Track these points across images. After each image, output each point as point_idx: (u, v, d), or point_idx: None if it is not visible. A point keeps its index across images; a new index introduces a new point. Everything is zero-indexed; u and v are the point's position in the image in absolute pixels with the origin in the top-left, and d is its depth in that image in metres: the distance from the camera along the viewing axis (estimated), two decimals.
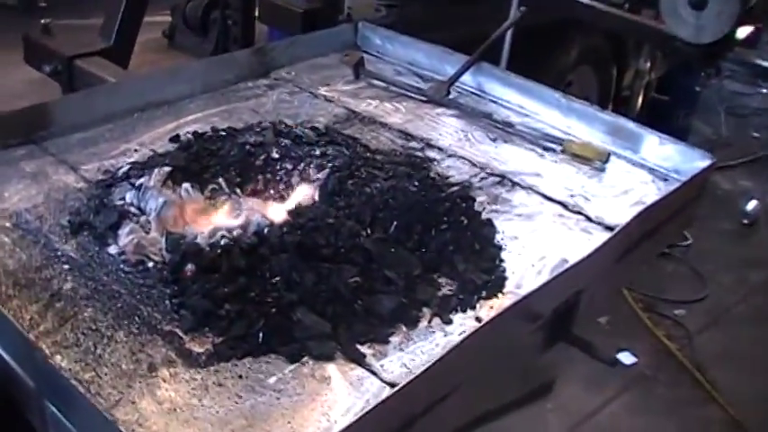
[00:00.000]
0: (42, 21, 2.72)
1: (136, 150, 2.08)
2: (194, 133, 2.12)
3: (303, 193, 1.91)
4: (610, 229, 1.93)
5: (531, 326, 1.73)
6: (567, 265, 1.75)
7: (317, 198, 1.89)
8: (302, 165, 1.97)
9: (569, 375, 3.35)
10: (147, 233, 1.73)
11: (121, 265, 1.67)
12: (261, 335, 1.51)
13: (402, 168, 1.97)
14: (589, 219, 1.98)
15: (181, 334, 1.52)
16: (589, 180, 2.15)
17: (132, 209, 1.79)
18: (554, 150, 2.24)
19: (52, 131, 2.11)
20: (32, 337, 1.47)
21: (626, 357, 3.76)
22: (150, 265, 1.67)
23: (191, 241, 1.68)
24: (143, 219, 1.77)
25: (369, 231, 1.76)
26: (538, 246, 1.86)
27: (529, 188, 2.08)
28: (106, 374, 1.42)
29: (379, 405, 1.33)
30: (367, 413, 1.31)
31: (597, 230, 1.95)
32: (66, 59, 2.57)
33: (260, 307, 1.56)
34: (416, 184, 1.88)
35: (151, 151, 2.07)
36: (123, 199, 1.82)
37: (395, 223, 1.79)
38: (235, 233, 1.72)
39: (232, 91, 2.43)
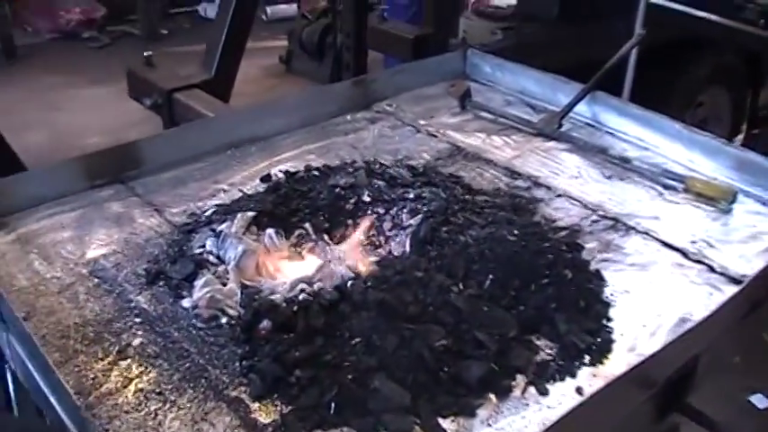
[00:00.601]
0: (145, 53, 2.70)
1: (225, 191, 2.00)
2: (286, 173, 2.03)
3: (394, 241, 1.78)
4: (736, 281, 1.71)
5: (641, 398, 1.52)
6: (686, 326, 1.54)
7: (407, 247, 1.74)
8: (395, 209, 1.83)
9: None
10: (225, 285, 1.63)
11: (194, 320, 1.57)
12: (333, 405, 1.38)
13: (502, 214, 1.80)
14: (712, 269, 1.75)
15: (248, 401, 1.40)
16: (713, 223, 1.91)
17: (211, 257, 1.70)
18: (675, 189, 2.01)
19: (141, 171, 2.06)
20: (93, 399, 1.39)
21: (758, 400, 3.42)
22: (224, 320, 1.56)
23: (267, 296, 1.57)
24: (221, 269, 1.67)
25: (461, 287, 1.60)
26: (652, 301, 1.65)
27: (645, 233, 1.86)
28: None
29: None
30: None
31: (721, 283, 1.71)
32: (166, 93, 2.54)
33: (335, 373, 1.42)
34: (515, 232, 1.70)
35: (240, 192, 1.98)
36: (203, 246, 1.73)
37: (490, 277, 1.62)
38: (316, 286, 1.60)
39: (331, 125, 2.33)
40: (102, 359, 1.49)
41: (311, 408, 1.38)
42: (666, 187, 2.02)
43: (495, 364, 1.46)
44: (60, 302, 1.62)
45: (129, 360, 1.49)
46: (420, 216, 1.77)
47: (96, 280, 1.69)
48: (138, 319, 1.58)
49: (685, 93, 3.71)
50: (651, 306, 1.63)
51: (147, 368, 1.47)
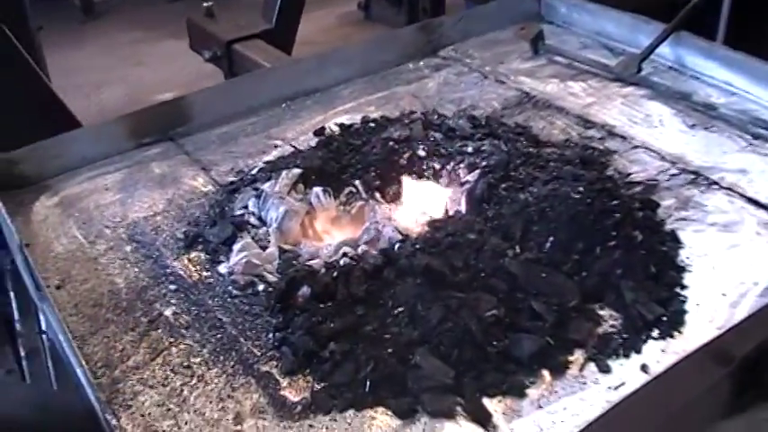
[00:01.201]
0: (205, 3, 2.61)
1: (277, 147, 1.89)
2: (340, 126, 1.91)
3: (449, 200, 1.64)
4: None
5: (715, 377, 1.36)
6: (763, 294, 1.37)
7: (463, 205, 1.60)
8: (451, 164, 1.69)
9: None
10: (265, 248, 1.53)
11: (230, 287, 1.48)
12: (368, 382, 1.27)
13: (568, 168, 1.63)
14: None
15: (278, 377, 1.30)
16: None
17: (252, 219, 1.60)
18: (765, 138, 1.79)
19: (191, 127, 1.97)
20: (119, 372, 1.33)
21: None
22: (261, 288, 1.47)
23: (306, 261, 1.47)
24: (262, 231, 1.57)
25: (518, 250, 1.46)
26: (735, 267, 1.46)
27: (730, 189, 1.66)
28: (186, 424, 1.23)
29: None
30: None
31: None
32: (225, 44, 2.44)
33: (373, 346, 1.30)
34: (581, 188, 1.52)
35: (292, 147, 1.88)
36: (245, 207, 1.63)
37: (551, 239, 1.47)
38: (360, 250, 1.49)
39: (393, 73, 2.18)
40: (132, 329, 1.42)
41: (344, 385, 1.27)
42: (756, 137, 1.79)
43: (551, 337, 1.32)
44: (96, 269, 1.56)
45: (159, 331, 1.41)
46: (477, 172, 1.63)
47: (135, 245, 1.62)
48: (172, 287, 1.51)
49: None
50: (733, 272, 1.45)
51: (177, 340, 1.39)
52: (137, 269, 1.55)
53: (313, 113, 2.02)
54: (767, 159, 1.74)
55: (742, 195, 1.64)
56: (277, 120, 2.01)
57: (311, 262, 1.46)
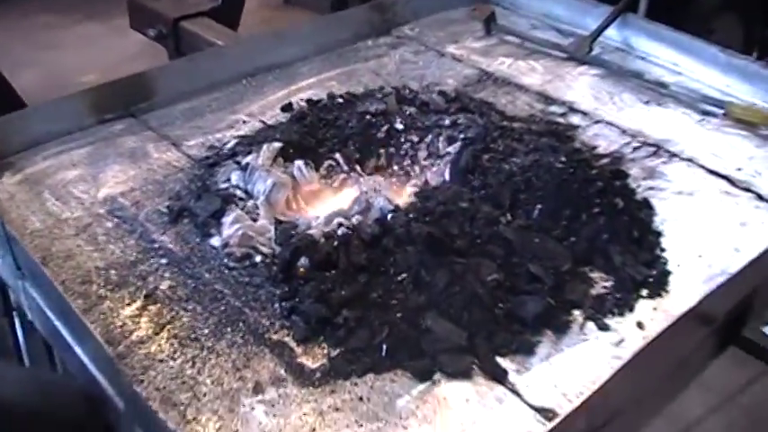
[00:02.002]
0: None
1: (244, 122, 1.87)
2: (308, 101, 1.91)
3: (432, 171, 1.67)
4: None
5: (703, 333, 1.45)
6: (742, 257, 1.46)
7: (447, 177, 1.64)
8: (430, 136, 1.72)
9: None
10: (255, 221, 1.52)
11: (225, 260, 1.46)
12: (384, 347, 1.29)
13: (544, 140, 1.69)
14: (761, 197, 1.66)
15: (292, 345, 1.30)
16: (757, 150, 1.80)
17: (238, 192, 1.58)
18: (714, 115, 1.91)
19: (153, 103, 1.93)
20: (123, 348, 1.29)
21: None
22: (258, 259, 1.45)
23: (303, 231, 1.47)
24: (250, 204, 1.56)
25: (509, 217, 1.51)
26: (704, 230, 1.56)
27: (689, 160, 1.76)
28: (205, 395, 1.21)
29: None
30: None
31: None
32: (172, 22, 2.38)
33: (383, 312, 1.32)
34: (562, 159, 1.59)
35: (261, 123, 1.86)
36: (228, 181, 1.61)
37: (539, 207, 1.52)
38: (354, 220, 1.49)
39: (350, 51, 2.19)
40: (129, 304, 1.38)
41: (361, 350, 1.28)
42: (706, 113, 1.91)
43: (552, 298, 1.38)
44: (78, 245, 1.51)
45: (158, 305, 1.38)
46: (458, 143, 1.67)
47: (116, 220, 1.57)
48: (164, 260, 1.47)
49: (697, 18, 3.58)
50: (703, 235, 1.54)
51: (178, 313, 1.36)
52: (122, 244, 1.51)
53: (275, 89, 2.00)
54: (716, 133, 1.85)
55: (701, 166, 1.74)
56: (240, 96, 1.99)
57: (310, 231, 1.46)
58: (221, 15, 2.39)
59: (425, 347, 1.28)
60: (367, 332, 1.30)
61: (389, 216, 1.49)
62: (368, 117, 1.74)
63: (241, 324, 1.34)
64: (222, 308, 1.37)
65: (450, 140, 1.68)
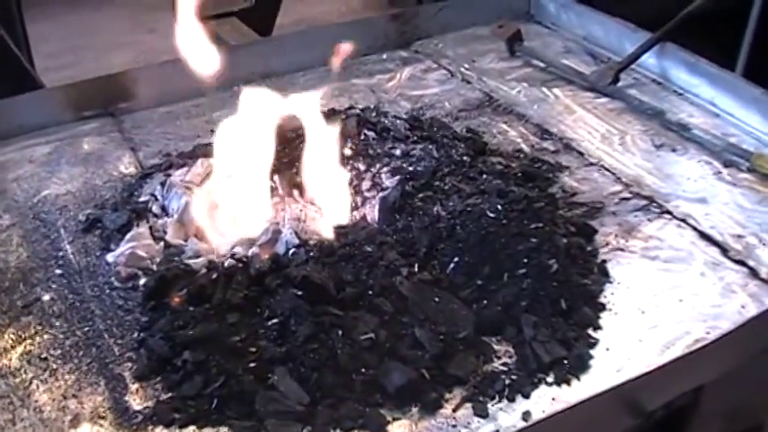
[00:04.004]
0: None
1: (212, 131, 1.77)
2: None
3: (371, 204, 1.52)
4: None
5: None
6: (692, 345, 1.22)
7: (376, 213, 1.48)
8: (377, 166, 1.57)
9: None
10: (158, 240, 1.45)
11: (112, 278, 1.40)
12: (215, 399, 1.17)
13: (496, 182, 1.49)
14: (755, 274, 1.38)
15: (128, 381, 1.21)
16: None
17: (155, 208, 1.51)
18: (737, 167, 1.62)
19: (135, 103, 1.89)
20: None
21: None
22: (142, 282, 1.38)
23: (187, 258, 1.37)
24: (161, 221, 1.48)
25: (415, 269, 1.34)
26: (666, 310, 1.31)
27: (683, 219, 1.50)
28: (22, 420, 1.15)
29: None
30: None
31: (761, 293, 1.34)
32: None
33: (232, 360, 1.20)
34: (499, 206, 1.39)
35: None
36: (153, 194, 1.54)
37: (455, 260, 1.34)
38: (251, 252, 1.38)
39: (357, 64, 2.05)
40: (4, 312, 1.34)
41: (191, 398, 1.17)
42: (727, 164, 1.63)
43: (429, 370, 1.20)
44: None
45: (30, 317, 1.33)
46: (397, 178, 1.50)
47: (38, 223, 1.55)
48: (58, 271, 1.43)
49: None
50: (663, 317, 1.30)
51: (44, 328, 1.31)
52: (31, 249, 1.48)
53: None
54: (732, 189, 1.57)
55: (694, 229, 1.48)
56: (223, 103, 1.88)
57: (193, 260, 1.36)
58: (253, 17, 2.32)
59: (258, 406, 1.15)
60: (202, 379, 1.18)
61: (291, 252, 1.37)
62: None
63: (94, 349, 1.27)
64: (86, 329, 1.31)
65: (395, 173, 1.52)
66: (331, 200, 1.54)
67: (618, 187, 1.59)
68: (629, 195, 1.57)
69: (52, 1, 4.18)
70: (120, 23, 4.21)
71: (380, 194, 1.48)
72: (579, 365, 1.22)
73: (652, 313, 1.31)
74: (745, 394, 1.48)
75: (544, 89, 1.91)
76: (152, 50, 3.60)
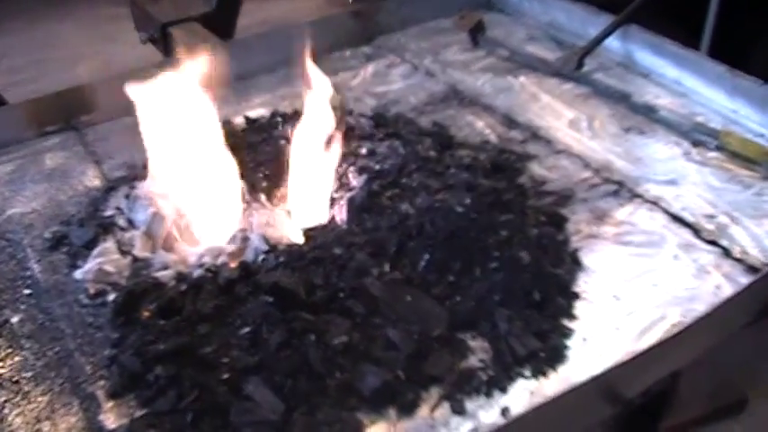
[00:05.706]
0: None
1: None
2: (246, 119, 1.79)
3: (339, 205, 1.51)
4: (754, 270, 1.34)
5: (591, 425, 1.21)
6: (669, 331, 1.21)
7: (344, 215, 1.47)
8: (343, 166, 1.55)
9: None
10: (126, 254, 1.43)
11: (80, 296, 1.38)
12: (190, 413, 1.16)
13: (464, 176, 1.48)
14: (728, 253, 1.38)
15: (101, 400, 1.19)
16: (743, 192, 1.52)
17: (121, 221, 1.49)
18: (706, 146, 1.62)
19: (98, 115, 1.85)
20: None
21: None
22: (110, 298, 1.36)
23: (156, 271, 1.35)
24: (128, 235, 1.46)
25: (386, 269, 1.32)
26: (640, 296, 1.31)
27: (654, 202, 1.50)
28: None
29: None
30: None
31: (735, 273, 1.35)
32: (161, 26, 2.32)
33: (205, 372, 1.18)
34: (467, 200, 1.38)
35: None
36: (118, 208, 1.52)
37: (426, 257, 1.33)
38: (220, 261, 1.37)
39: (323, 62, 2.01)
40: None
41: (166, 414, 1.15)
42: (696, 144, 1.63)
43: (405, 370, 1.19)
44: None
45: (0, 340, 1.32)
46: (364, 177, 1.49)
47: (3, 242, 1.52)
48: (27, 291, 1.40)
49: None
50: (635, 302, 1.30)
51: (14, 350, 1.28)
52: None
53: (225, 105, 1.87)
54: (702, 169, 1.57)
55: (666, 211, 1.48)
56: None
57: (161, 273, 1.34)
58: (214, 22, 2.29)
59: (233, 419, 1.13)
60: (176, 394, 1.17)
61: (260, 258, 1.35)
62: (282, 142, 1.60)
63: (66, 369, 1.25)
64: (57, 349, 1.28)
65: (362, 172, 1.51)
66: (299, 202, 1.53)
67: (587, 173, 1.58)
68: (600, 181, 1.56)
69: (14, 16, 4.15)
70: (84, 34, 4.16)
71: (348, 195, 1.47)
72: (555, 357, 1.22)
73: (627, 299, 1.30)
74: (727, 372, 1.48)
75: (509, 78, 1.90)
76: (119, 59, 3.56)
